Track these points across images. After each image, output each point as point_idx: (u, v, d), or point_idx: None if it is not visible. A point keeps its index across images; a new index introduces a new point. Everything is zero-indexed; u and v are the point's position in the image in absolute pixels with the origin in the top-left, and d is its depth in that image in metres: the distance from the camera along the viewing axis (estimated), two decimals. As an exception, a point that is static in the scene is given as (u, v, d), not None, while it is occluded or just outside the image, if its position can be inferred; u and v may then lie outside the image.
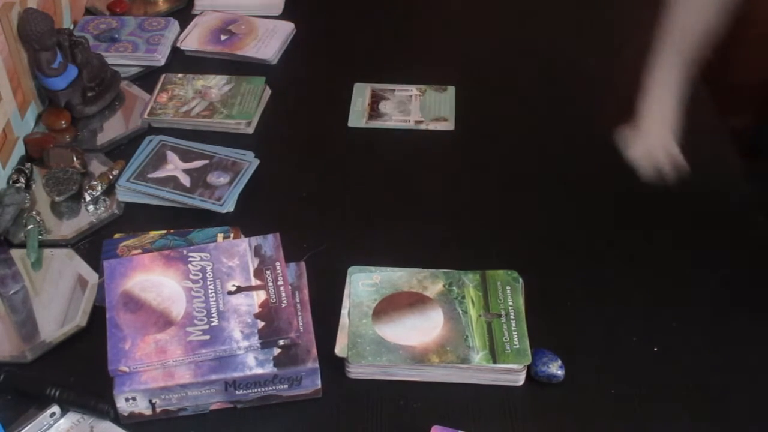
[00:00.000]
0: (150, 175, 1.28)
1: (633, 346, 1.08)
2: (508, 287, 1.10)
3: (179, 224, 1.21)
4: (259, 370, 0.99)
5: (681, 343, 1.08)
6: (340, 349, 1.04)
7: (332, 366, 1.03)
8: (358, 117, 1.43)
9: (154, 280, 1.05)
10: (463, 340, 1.05)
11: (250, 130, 1.40)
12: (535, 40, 1.61)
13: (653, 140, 1.17)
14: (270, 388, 1.00)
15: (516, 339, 1.04)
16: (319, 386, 1.01)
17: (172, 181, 1.27)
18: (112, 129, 1.41)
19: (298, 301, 1.06)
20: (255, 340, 0.99)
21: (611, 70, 1.53)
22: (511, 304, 1.09)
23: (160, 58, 1.53)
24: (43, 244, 1.20)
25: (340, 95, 1.47)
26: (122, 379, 0.98)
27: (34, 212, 1.24)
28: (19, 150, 1.34)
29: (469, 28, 1.65)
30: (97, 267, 1.16)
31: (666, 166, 1.15)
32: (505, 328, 1.06)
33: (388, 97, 1.47)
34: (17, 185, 1.26)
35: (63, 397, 1.00)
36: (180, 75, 1.49)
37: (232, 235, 1.17)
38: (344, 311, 1.08)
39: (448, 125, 1.41)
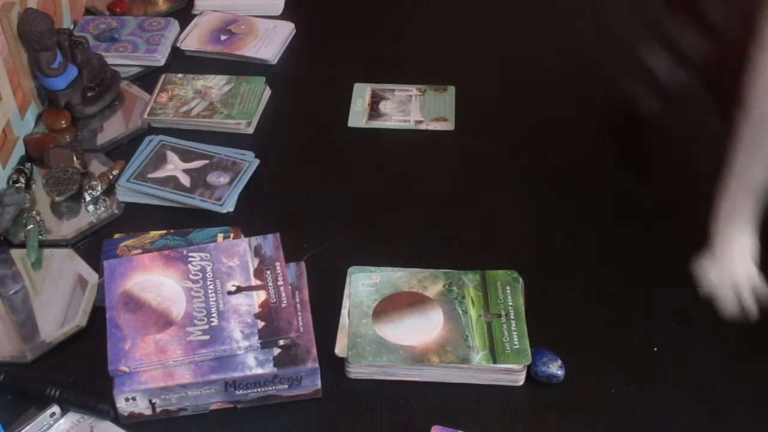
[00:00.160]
0: (150, 175, 1.28)
1: (633, 346, 1.08)
2: (508, 287, 1.10)
3: (179, 224, 1.21)
4: (259, 370, 0.99)
5: (681, 343, 1.08)
6: (340, 349, 1.04)
7: (332, 366, 1.03)
8: (358, 117, 1.43)
9: (154, 280, 1.05)
10: (463, 340, 1.05)
11: (250, 130, 1.40)
12: (535, 40, 1.61)
13: (734, 270, 1.07)
14: (270, 388, 1.00)
15: (516, 339, 1.04)
16: (319, 386, 1.01)
17: (172, 181, 1.27)
18: (112, 129, 1.41)
19: (298, 301, 1.06)
20: (255, 340, 0.99)
21: (611, 69, 1.53)
22: (511, 304, 1.09)
23: (160, 58, 1.53)
24: (43, 244, 1.20)
25: (340, 95, 1.47)
26: (122, 379, 0.98)
27: (34, 212, 1.24)
28: (19, 150, 1.34)
29: (469, 28, 1.65)
30: (97, 267, 1.16)
31: (749, 299, 1.06)
32: (505, 328, 1.06)
33: (388, 97, 1.47)
34: (17, 185, 1.26)
35: (63, 397, 1.00)
36: (180, 75, 1.49)
37: (232, 235, 1.17)
38: (344, 311, 1.08)
39: (448, 125, 1.41)
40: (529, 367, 1.03)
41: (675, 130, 1.39)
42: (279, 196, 1.30)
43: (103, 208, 1.26)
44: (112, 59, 1.50)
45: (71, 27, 1.56)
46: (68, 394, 1.00)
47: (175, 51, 1.56)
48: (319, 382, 1.01)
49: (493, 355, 1.03)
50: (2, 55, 1.30)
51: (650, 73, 1.25)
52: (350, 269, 1.13)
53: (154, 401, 0.98)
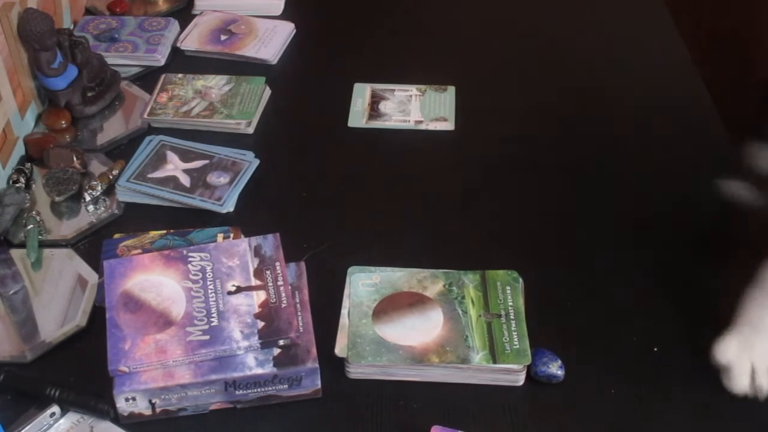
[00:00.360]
0: (150, 175, 1.28)
1: (633, 346, 1.08)
2: (508, 287, 1.10)
3: (179, 224, 1.21)
4: (259, 370, 0.99)
5: (681, 343, 1.08)
6: (340, 349, 1.04)
7: (332, 366, 1.03)
8: (358, 117, 1.43)
9: (154, 280, 1.05)
10: (463, 340, 1.05)
11: (250, 130, 1.40)
12: (535, 40, 1.61)
13: (755, 355, 1.04)
14: (270, 388, 1.00)
15: (516, 339, 1.04)
16: (319, 386, 1.01)
17: (172, 181, 1.27)
18: (112, 129, 1.41)
19: (298, 301, 1.06)
20: (255, 340, 0.99)
21: (612, 69, 1.53)
22: (511, 304, 1.09)
23: (160, 58, 1.53)
24: (43, 244, 1.20)
25: (340, 95, 1.47)
26: (122, 379, 0.98)
27: (34, 212, 1.24)
28: (19, 150, 1.34)
29: (469, 28, 1.65)
30: (97, 267, 1.16)
31: (764, 382, 1.03)
32: (505, 328, 1.06)
33: (388, 97, 1.47)
34: (17, 185, 1.26)
35: (63, 397, 1.00)
36: (180, 75, 1.49)
37: (232, 235, 1.17)
38: (344, 311, 1.08)
39: (448, 125, 1.41)
40: (529, 367, 1.03)
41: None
42: (279, 196, 1.30)
43: (103, 208, 1.26)
44: (112, 59, 1.50)
45: (71, 27, 1.55)
46: (68, 394, 1.00)
47: (175, 51, 1.56)
48: (319, 382, 1.01)
49: (493, 355, 1.03)
50: (2, 55, 1.30)
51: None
52: (350, 269, 1.13)
53: (154, 401, 0.98)
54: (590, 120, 1.43)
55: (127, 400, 0.98)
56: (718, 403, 1.02)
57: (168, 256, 1.07)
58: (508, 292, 1.10)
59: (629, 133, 1.40)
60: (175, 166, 1.30)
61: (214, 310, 1.02)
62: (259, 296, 1.03)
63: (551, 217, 1.26)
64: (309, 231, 1.22)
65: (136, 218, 1.25)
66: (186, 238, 1.17)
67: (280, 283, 1.04)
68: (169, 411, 1.00)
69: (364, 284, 1.11)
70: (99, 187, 1.27)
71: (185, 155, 1.32)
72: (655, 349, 1.07)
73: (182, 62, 1.54)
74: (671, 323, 1.10)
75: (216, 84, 1.46)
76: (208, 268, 1.06)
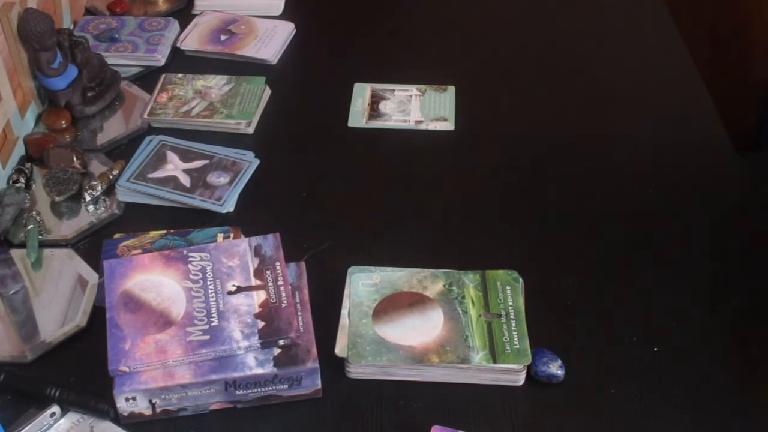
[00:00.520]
0: (150, 175, 1.28)
1: (633, 346, 1.08)
2: (508, 287, 1.10)
3: (179, 224, 1.21)
4: (259, 370, 0.99)
5: (681, 343, 1.08)
6: (340, 349, 1.04)
7: (332, 366, 1.03)
8: (358, 117, 1.43)
9: (154, 280, 1.05)
10: (463, 340, 1.05)
11: (250, 130, 1.40)
12: (535, 40, 1.61)
13: None
14: (270, 388, 1.00)
15: (516, 339, 1.04)
16: (319, 386, 1.01)
17: (172, 181, 1.27)
18: (112, 129, 1.41)
19: (298, 301, 1.06)
20: (255, 340, 0.99)
21: (611, 69, 1.53)
22: (511, 304, 1.09)
23: (160, 58, 1.53)
24: (43, 244, 1.20)
25: (340, 95, 1.47)
26: (122, 379, 0.98)
27: (34, 212, 1.24)
28: (19, 150, 1.34)
29: (469, 28, 1.65)
30: (97, 267, 1.16)
31: None
32: (505, 328, 1.06)
33: (388, 97, 1.47)
34: (17, 185, 1.26)
35: (63, 397, 1.00)
36: (180, 75, 1.49)
37: (232, 235, 1.17)
38: (344, 311, 1.08)
39: (448, 125, 1.41)
40: (529, 367, 1.03)
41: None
42: (279, 196, 1.30)
43: (103, 208, 1.26)
44: (112, 59, 1.50)
45: (71, 27, 1.56)
46: (68, 394, 1.00)
47: (175, 51, 1.56)
48: (319, 382, 1.01)
49: (493, 355, 1.03)
50: (2, 55, 1.30)
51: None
52: (350, 269, 1.13)
53: (154, 401, 0.98)
54: (590, 120, 1.43)
55: (127, 400, 0.98)
56: (718, 403, 1.02)
57: (168, 256, 1.07)
58: (508, 292, 1.10)
59: (629, 133, 1.40)
60: (175, 166, 1.30)
61: (214, 310, 1.02)
62: (259, 296, 1.03)
63: (551, 216, 1.26)
64: (309, 231, 1.22)
65: (136, 218, 1.25)
66: (186, 238, 1.17)
67: (280, 283, 1.04)
68: (169, 411, 1.00)
69: (364, 284, 1.11)
70: (99, 187, 1.27)
71: (185, 155, 1.32)
72: (655, 349, 1.07)
73: (182, 62, 1.54)
74: (671, 323, 1.10)
75: (216, 84, 1.46)
76: (208, 268, 1.06)
